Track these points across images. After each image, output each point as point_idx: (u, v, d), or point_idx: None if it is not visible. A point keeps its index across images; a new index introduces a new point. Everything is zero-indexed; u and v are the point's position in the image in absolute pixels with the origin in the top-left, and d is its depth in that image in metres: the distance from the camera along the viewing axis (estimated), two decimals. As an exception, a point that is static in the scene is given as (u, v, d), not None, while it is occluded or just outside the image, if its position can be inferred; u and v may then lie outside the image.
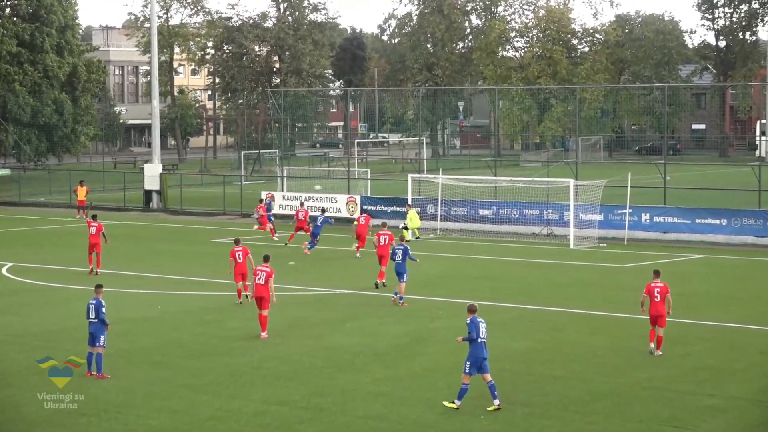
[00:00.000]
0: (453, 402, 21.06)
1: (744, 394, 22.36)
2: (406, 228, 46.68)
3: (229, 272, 31.95)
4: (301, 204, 49.82)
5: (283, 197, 56.69)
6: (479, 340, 21.04)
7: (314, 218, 44.70)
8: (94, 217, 40.14)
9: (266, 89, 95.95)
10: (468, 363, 21.03)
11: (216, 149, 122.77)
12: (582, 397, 21.99)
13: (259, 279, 27.59)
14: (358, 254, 41.91)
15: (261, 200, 51.59)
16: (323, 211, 46.32)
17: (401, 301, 31.74)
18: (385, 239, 34.47)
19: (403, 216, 49.56)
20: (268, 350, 26.07)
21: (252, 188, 65.50)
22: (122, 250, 44.32)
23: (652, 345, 25.34)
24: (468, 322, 21.20)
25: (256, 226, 50.12)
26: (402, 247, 32.16)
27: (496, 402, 20.94)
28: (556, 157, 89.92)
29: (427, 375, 23.68)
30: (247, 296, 31.47)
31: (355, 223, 43.27)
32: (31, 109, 79.53)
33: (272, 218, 49.70)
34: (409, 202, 50.05)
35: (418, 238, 46.80)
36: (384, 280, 34.44)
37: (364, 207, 53.68)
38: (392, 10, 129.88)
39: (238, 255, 31.95)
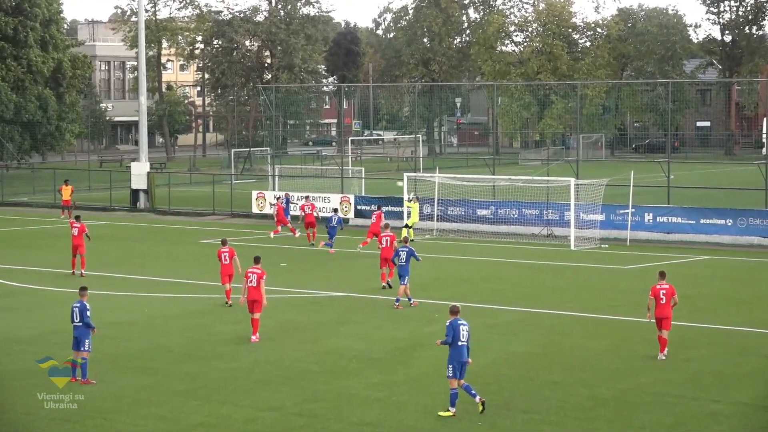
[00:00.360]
0: (448, 410, 21.11)
1: (750, 399, 22.40)
2: (408, 227, 47.16)
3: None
4: (307, 198, 49.73)
5: (275, 197, 56.64)
6: (459, 343, 21.12)
7: (328, 219, 45.13)
8: (77, 218, 40.14)
9: (257, 85, 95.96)
10: (450, 367, 21.15)
11: (205, 147, 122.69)
12: (583, 403, 22.03)
13: (251, 282, 27.59)
14: (360, 248, 42.21)
15: (278, 198, 51.49)
16: (336, 211, 46.70)
17: (411, 301, 31.93)
18: (387, 241, 34.61)
19: (398, 216, 49.58)
20: (260, 355, 26.09)
21: (242, 188, 65.45)
22: (108, 251, 44.33)
23: (660, 356, 25.36)
24: (447, 324, 21.30)
25: (272, 233, 48.98)
26: (406, 249, 32.27)
27: (477, 398, 21.07)
28: (557, 156, 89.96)
29: (423, 380, 23.71)
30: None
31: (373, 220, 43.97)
32: (14, 105, 79.41)
33: (289, 215, 49.66)
34: (409, 196, 49.77)
35: (412, 240, 46.92)
36: (389, 282, 34.60)
37: (358, 207, 53.75)
38: (387, 4, 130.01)
39: (224, 256, 32.14)
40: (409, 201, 48.77)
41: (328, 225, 44.59)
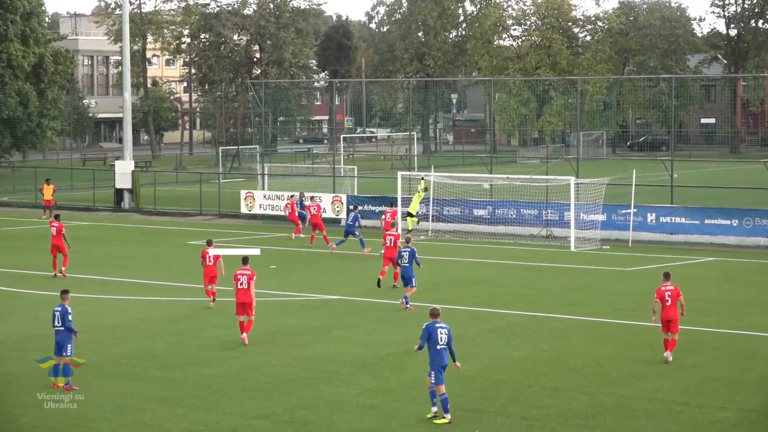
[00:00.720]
0: (443, 417, 21.09)
1: (756, 406, 22.39)
2: (411, 215, 47.41)
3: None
4: (312, 198, 49.67)
5: (264, 196, 56.63)
6: (438, 347, 21.10)
7: (346, 217, 45.48)
8: (56, 217, 40.09)
9: (246, 81, 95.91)
10: (432, 372, 21.15)
11: (192, 145, 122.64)
12: (584, 409, 22.01)
13: (241, 284, 27.54)
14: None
15: (291, 196, 51.36)
16: (355, 207, 46.58)
17: (408, 305, 31.89)
18: (391, 240, 34.74)
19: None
20: (248, 360, 26.03)
21: (231, 187, 65.43)
22: (91, 252, 44.26)
23: (666, 354, 25.36)
24: (423, 327, 21.29)
25: (297, 233, 48.70)
26: (408, 249, 32.33)
27: (434, 409, 21.11)
28: (556, 154, 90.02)
29: (417, 386, 23.62)
30: (213, 301, 32.13)
31: (383, 218, 44.27)
32: (-7, 101, 79.36)
33: (305, 217, 49.58)
34: (422, 184, 49.73)
35: (417, 221, 48.09)
36: (396, 283, 34.73)
37: (351, 207, 53.68)
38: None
39: (209, 258, 32.13)
40: (420, 188, 49.07)
41: (346, 223, 44.89)
